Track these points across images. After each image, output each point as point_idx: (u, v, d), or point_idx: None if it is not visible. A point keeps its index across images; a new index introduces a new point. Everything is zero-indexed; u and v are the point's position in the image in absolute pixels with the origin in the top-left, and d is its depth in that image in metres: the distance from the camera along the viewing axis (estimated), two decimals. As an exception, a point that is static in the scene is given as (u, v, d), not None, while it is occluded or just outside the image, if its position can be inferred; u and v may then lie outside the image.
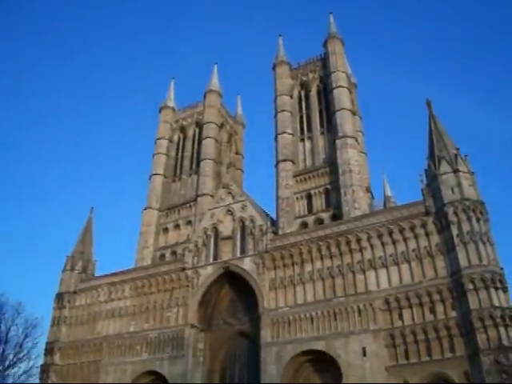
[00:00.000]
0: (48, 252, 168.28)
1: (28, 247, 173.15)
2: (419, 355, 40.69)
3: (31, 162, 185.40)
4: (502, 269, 40.80)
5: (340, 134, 58.42)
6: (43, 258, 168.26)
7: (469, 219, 42.33)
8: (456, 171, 44.90)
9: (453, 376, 38.62)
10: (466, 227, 42.07)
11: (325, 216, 56.27)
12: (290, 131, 63.69)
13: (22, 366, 47.83)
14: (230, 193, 58.22)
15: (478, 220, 42.46)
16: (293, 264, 49.94)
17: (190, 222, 65.42)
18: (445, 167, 45.64)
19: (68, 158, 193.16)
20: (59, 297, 62.69)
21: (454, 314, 40.54)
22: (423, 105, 50.85)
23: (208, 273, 54.47)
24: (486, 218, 43.06)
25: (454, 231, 42.38)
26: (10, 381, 46.82)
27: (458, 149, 46.87)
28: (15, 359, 47.67)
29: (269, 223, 54.00)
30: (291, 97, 67.43)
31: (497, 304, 38.55)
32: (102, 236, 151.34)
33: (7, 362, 47.21)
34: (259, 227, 53.77)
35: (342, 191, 54.72)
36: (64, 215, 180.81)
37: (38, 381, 55.52)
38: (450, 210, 43.17)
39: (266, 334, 47.68)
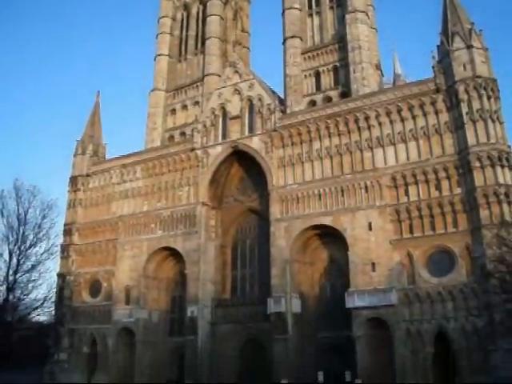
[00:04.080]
0: (58, 138, 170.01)
1: (38, 134, 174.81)
2: (423, 229, 42.09)
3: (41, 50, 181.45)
4: (509, 147, 40.99)
5: (350, 9, 56.00)
6: (53, 143, 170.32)
7: (480, 97, 41.71)
8: (469, 47, 43.40)
9: (454, 249, 40.25)
10: (476, 105, 41.62)
11: (333, 94, 55.75)
12: (297, 6, 60.99)
13: (43, 245, 50.16)
14: (236, 72, 56.98)
15: (488, 98, 41.83)
16: (301, 142, 50.22)
17: (197, 103, 65.10)
18: (458, 43, 44.09)
19: (71, 40, 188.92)
20: (73, 180, 64.20)
21: (458, 190, 41.33)
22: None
23: (217, 152, 55.03)
24: (497, 95, 42.32)
25: (464, 109, 41.93)
26: (33, 259, 49.32)
27: (472, 23, 45.01)
28: (35, 239, 49.84)
29: (277, 102, 53.54)
30: (299, -32, 63.94)
31: (502, 181, 39.22)
32: (110, 120, 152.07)
33: (28, 242, 49.45)
34: (267, 106, 53.29)
35: (351, 68, 53.62)
36: (73, 100, 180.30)
37: (59, 258, 58.93)
38: (461, 88, 42.38)
39: (275, 211, 49.17)
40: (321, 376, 42.96)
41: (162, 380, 51.68)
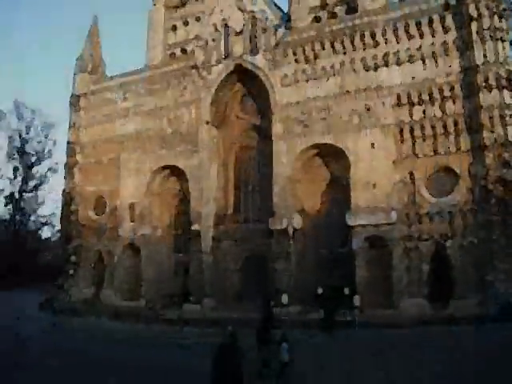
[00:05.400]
0: (57, 61, 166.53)
1: (36, 57, 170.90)
2: (426, 149, 42.26)
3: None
4: (517, 67, 40.38)
5: None
6: (53, 64, 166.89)
7: (490, 15, 40.48)
8: (482, -40, 41.75)
9: (456, 169, 40.59)
10: (486, 23, 40.35)
11: (339, 10, 54.06)
12: None
13: (46, 164, 50.54)
14: (239, -15, 55.07)
15: (500, 17, 40.59)
16: (305, 59, 49.22)
17: (198, 19, 63.20)
18: (470, -45, 42.34)
19: None
20: (74, 99, 63.66)
21: (463, 110, 41.06)
22: None
23: (219, 70, 54.07)
24: (508, 14, 41.14)
25: (474, 27, 40.72)
26: (38, 177, 49.81)
27: None
28: (38, 158, 50.05)
29: (281, 18, 52.10)
30: None
31: (508, 102, 38.92)
32: (110, 39, 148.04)
33: (32, 160, 49.60)
34: (271, 22, 51.86)
35: (358, -18, 51.71)
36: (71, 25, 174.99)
37: (63, 177, 59.69)
38: (472, 5, 40.97)
39: (277, 129, 49.08)
40: (320, 290, 44.49)
41: (166, 295, 53.53)
